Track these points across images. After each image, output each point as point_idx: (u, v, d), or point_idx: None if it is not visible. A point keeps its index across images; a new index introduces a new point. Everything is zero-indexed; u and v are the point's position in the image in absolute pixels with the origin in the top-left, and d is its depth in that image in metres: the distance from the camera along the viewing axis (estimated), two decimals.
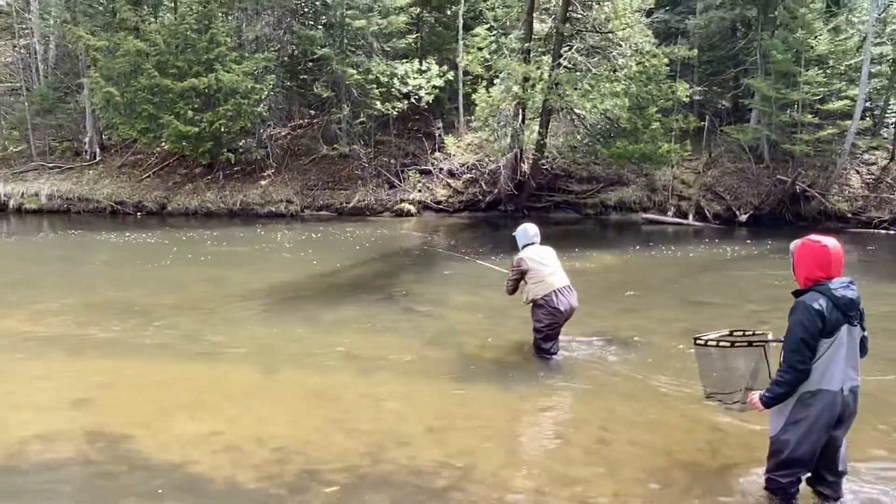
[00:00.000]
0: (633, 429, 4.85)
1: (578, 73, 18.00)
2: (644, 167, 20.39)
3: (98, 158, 23.88)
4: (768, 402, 3.58)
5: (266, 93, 21.27)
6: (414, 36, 22.80)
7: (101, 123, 23.91)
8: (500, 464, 4.30)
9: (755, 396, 3.65)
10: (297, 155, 23.41)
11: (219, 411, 5.15)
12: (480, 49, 18.89)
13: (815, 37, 18.28)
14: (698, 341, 4.07)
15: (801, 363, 3.42)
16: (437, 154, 22.20)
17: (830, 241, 3.52)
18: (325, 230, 17.40)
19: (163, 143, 21.95)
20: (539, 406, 5.41)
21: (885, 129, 21.50)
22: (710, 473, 4.17)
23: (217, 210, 21.26)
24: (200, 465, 4.25)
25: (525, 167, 20.03)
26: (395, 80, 20.68)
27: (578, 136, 20.30)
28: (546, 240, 6.68)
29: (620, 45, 18.00)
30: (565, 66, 17.84)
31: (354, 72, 20.26)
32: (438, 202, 21.16)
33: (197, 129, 19.77)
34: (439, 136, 22.08)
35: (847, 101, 18.46)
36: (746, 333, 4.03)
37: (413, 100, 21.04)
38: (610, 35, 18.04)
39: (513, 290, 6.51)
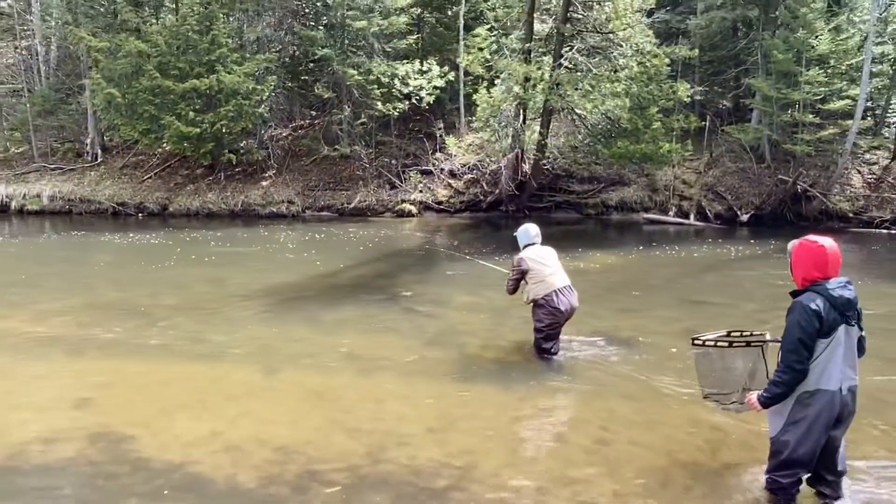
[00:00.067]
0: (634, 429, 4.86)
1: (579, 74, 18.00)
2: (645, 167, 20.40)
3: (100, 160, 23.92)
4: (766, 403, 3.59)
5: (267, 94, 21.30)
6: (415, 36, 22.82)
7: (103, 125, 23.95)
8: (501, 464, 4.30)
9: (753, 397, 3.66)
10: (298, 156, 23.44)
11: (220, 411, 5.16)
12: (481, 49, 18.90)
13: (816, 36, 18.28)
14: (696, 341, 4.08)
15: (799, 363, 3.43)
16: (438, 154, 22.22)
17: (827, 242, 3.52)
18: (327, 231, 17.42)
19: (164, 145, 21.99)
20: (539, 406, 5.42)
21: (887, 129, 21.49)
22: (710, 473, 4.18)
23: (218, 211, 21.29)
24: (201, 465, 4.26)
25: (526, 167, 20.04)
26: (396, 81, 20.70)
27: (579, 137, 20.31)
28: (547, 240, 6.69)
29: (621, 46, 18.00)
30: (566, 67, 17.84)
31: (355, 72, 20.28)
32: (440, 202, 21.18)
33: (198, 130, 19.80)
34: (440, 136, 22.09)
35: (848, 101, 18.45)
36: (744, 334, 4.03)
37: (414, 100, 21.06)
38: (611, 35, 18.04)
39: (513, 289, 6.52)
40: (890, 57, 20.00)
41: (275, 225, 18.95)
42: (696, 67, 22.44)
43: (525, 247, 6.48)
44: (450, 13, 23.85)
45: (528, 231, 6.54)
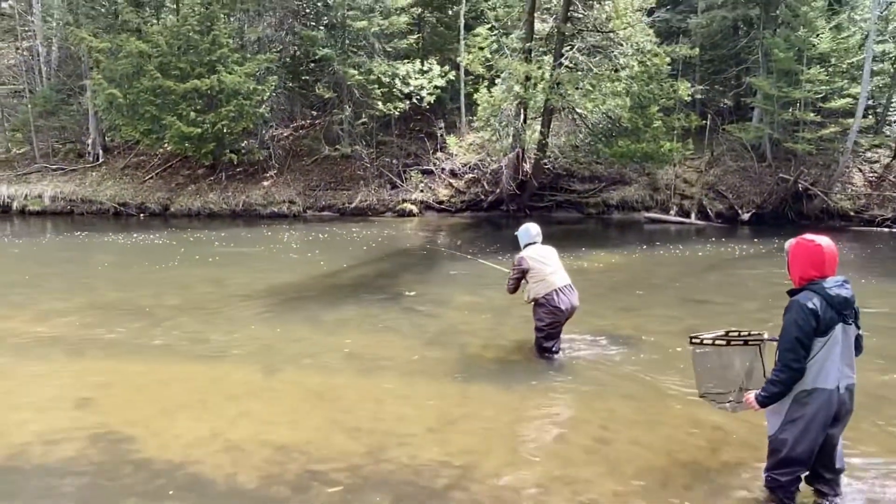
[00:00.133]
0: (634, 428, 4.86)
1: (580, 73, 18.00)
2: (646, 166, 20.40)
3: (101, 160, 23.94)
4: (764, 402, 3.59)
5: (268, 94, 21.31)
6: (415, 36, 22.83)
7: (104, 125, 23.98)
8: (501, 463, 4.31)
9: (751, 396, 3.67)
10: (299, 156, 23.45)
11: (220, 411, 5.17)
12: (482, 49, 18.90)
13: (817, 35, 18.26)
14: (694, 340, 4.08)
15: (796, 362, 3.44)
16: (439, 154, 22.22)
17: (824, 241, 3.52)
18: (330, 230, 17.44)
19: (165, 145, 22.01)
20: (540, 405, 5.42)
21: (888, 127, 21.46)
22: (710, 472, 4.18)
23: (220, 211, 21.31)
24: (202, 465, 4.26)
25: (527, 167, 20.04)
26: (397, 81, 20.71)
27: (580, 136, 20.29)
28: (548, 239, 6.69)
29: (622, 45, 18.00)
30: (567, 66, 17.84)
31: (356, 72, 20.28)
32: (440, 202, 21.18)
33: (199, 131, 19.82)
34: (441, 136, 22.10)
35: (849, 99, 18.44)
36: (742, 334, 4.03)
37: (415, 100, 21.07)
38: (611, 34, 18.03)
39: (513, 288, 6.52)
40: (891, 55, 19.97)
41: (277, 225, 18.97)
42: (696, 66, 22.42)
43: (526, 246, 6.49)
44: (450, 13, 23.85)
45: (529, 230, 6.54)
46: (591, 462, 4.33)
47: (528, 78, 17.46)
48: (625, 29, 17.64)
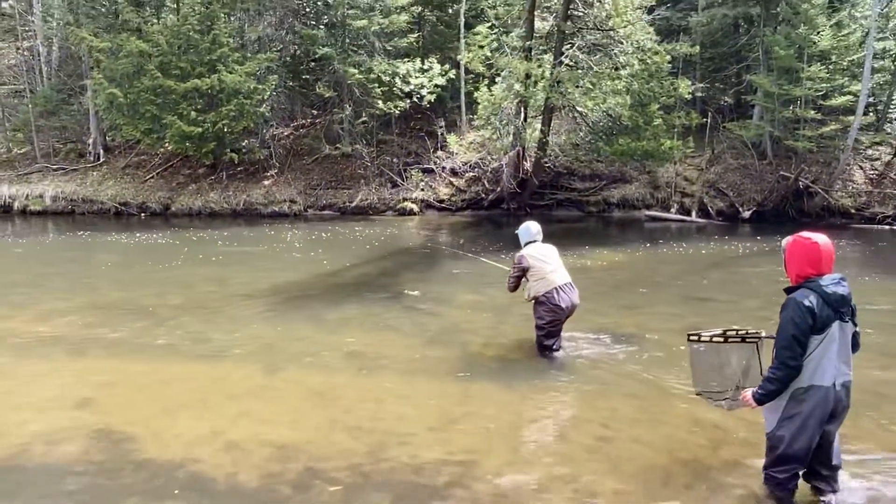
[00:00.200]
0: (635, 426, 4.85)
1: (580, 71, 18.00)
2: (647, 164, 20.39)
3: (102, 160, 23.98)
4: (761, 399, 3.60)
5: (268, 93, 21.33)
6: (415, 35, 22.83)
7: (105, 125, 24.01)
8: (502, 461, 4.31)
9: (748, 394, 3.67)
10: (299, 155, 23.47)
11: (221, 411, 5.17)
12: (482, 47, 18.90)
13: (818, 32, 18.24)
14: (692, 337, 4.08)
15: (793, 359, 3.44)
16: (439, 153, 22.23)
17: (821, 238, 3.53)
18: (333, 229, 17.45)
19: (166, 144, 22.04)
20: (541, 403, 5.42)
21: (889, 125, 21.43)
22: (711, 471, 4.17)
23: (221, 210, 21.33)
24: (203, 464, 4.26)
25: (527, 165, 20.04)
26: (397, 80, 20.72)
27: (581, 134, 20.31)
28: (549, 238, 6.69)
29: (622, 43, 17.99)
30: (567, 64, 17.84)
31: (356, 71, 20.28)
32: (441, 201, 21.19)
33: (200, 130, 19.83)
34: (441, 134, 22.11)
35: (850, 97, 18.42)
36: (740, 332, 4.03)
37: (415, 99, 21.08)
38: (611, 32, 18.03)
39: (514, 287, 6.53)
40: (891, 53, 19.94)
41: (279, 224, 18.97)
42: (697, 64, 22.39)
43: (526, 244, 6.49)
44: (450, 11, 23.85)
45: (530, 229, 6.54)
46: (592, 460, 4.33)
47: (528, 76, 17.45)
48: (625, 27, 17.64)
